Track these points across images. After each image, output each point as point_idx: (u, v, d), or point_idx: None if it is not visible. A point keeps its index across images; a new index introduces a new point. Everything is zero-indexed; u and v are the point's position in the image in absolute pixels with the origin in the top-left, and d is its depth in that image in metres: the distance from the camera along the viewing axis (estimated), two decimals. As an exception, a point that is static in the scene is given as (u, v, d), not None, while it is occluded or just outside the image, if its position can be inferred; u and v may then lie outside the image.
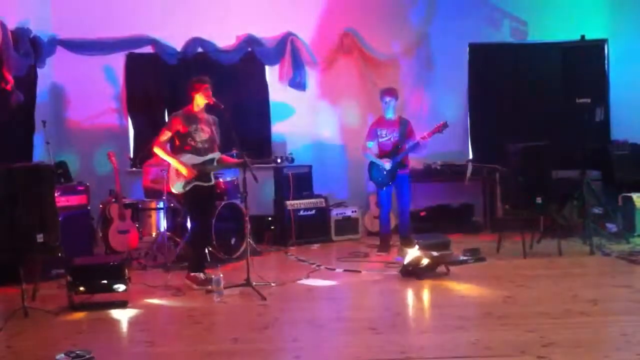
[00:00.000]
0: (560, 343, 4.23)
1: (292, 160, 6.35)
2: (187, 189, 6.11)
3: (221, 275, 5.85)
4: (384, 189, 7.38)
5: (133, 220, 7.60)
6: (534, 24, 8.99)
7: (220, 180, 7.49)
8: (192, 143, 6.14)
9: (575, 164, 7.47)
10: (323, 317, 5.26)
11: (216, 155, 6.27)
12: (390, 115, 7.39)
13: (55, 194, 5.85)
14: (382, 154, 7.39)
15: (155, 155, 6.40)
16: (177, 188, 6.15)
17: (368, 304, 5.80)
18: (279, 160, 6.35)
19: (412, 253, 6.17)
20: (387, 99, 7.35)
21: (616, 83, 9.02)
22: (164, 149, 6.14)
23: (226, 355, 4.32)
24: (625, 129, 8.72)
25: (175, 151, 6.18)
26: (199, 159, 6.15)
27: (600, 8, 8.99)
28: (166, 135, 6.16)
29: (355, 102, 9.01)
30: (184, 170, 6.04)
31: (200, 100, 6.15)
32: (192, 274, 6.16)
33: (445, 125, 7.18)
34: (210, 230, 6.73)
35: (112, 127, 8.93)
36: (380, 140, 7.41)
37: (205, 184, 6.21)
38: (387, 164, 7.26)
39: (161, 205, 7.46)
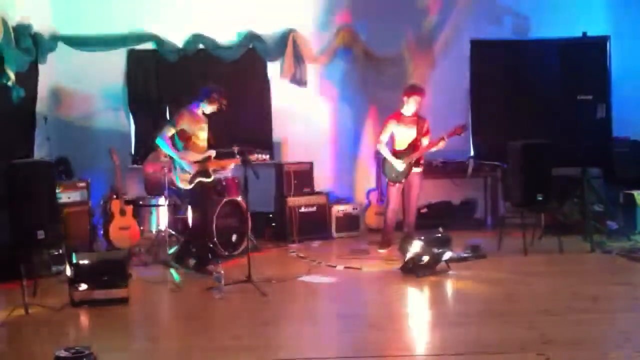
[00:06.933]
0: (560, 340, 4.24)
1: None
2: (193, 184, 6.40)
3: (222, 271, 5.85)
4: (396, 185, 7.34)
5: (134, 216, 7.61)
6: (535, 21, 8.96)
7: (221, 177, 7.51)
8: (196, 141, 6.46)
9: (577, 161, 7.45)
10: (323, 314, 5.28)
11: (212, 152, 6.56)
12: (408, 112, 7.32)
13: (56, 190, 5.86)
14: (396, 151, 7.34)
15: (157, 148, 6.58)
16: (183, 183, 6.44)
17: (368, 300, 5.80)
18: None
19: (414, 249, 6.18)
20: (408, 95, 7.22)
21: (618, 80, 8.99)
22: (169, 144, 6.35)
23: (227, 351, 4.33)
24: (626, 126, 8.69)
25: (177, 147, 6.43)
26: (199, 156, 6.45)
27: (602, 5, 8.97)
28: (171, 131, 6.38)
29: (356, 99, 8.98)
30: (187, 166, 6.34)
31: (209, 108, 6.48)
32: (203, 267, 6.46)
33: (465, 128, 7.14)
34: (211, 225, 6.86)
35: (114, 123, 8.90)
36: (396, 136, 7.37)
37: (207, 180, 6.49)
38: (399, 166, 7.22)
39: (162, 201, 7.47)
